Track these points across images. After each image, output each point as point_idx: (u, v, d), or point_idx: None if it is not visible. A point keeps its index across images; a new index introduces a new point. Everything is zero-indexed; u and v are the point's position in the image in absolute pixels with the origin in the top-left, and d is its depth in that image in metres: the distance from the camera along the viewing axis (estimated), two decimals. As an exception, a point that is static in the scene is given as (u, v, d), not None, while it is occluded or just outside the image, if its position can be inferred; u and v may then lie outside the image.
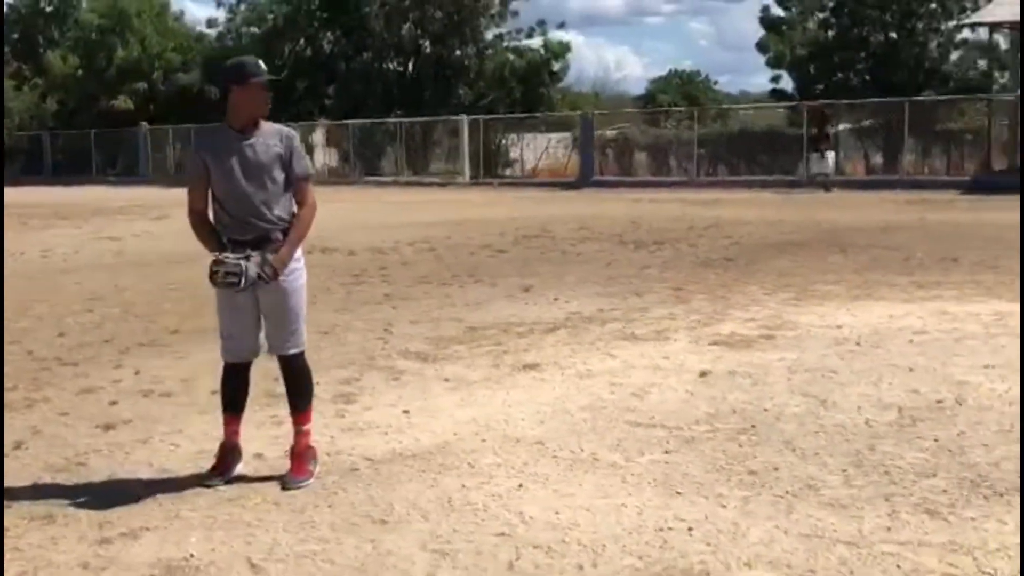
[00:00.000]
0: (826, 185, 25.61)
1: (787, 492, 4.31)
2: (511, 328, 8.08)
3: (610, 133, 34.94)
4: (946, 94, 36.71)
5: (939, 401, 5.52)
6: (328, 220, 17.37)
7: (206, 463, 4.89)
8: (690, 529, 3.96)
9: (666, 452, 4.88)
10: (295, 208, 4.75)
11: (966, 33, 38.94)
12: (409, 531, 4.06)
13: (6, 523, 4.17)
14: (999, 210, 19.22)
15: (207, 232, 4.68)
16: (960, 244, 13.37)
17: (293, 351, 4.79)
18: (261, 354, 4.89)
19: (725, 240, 14.38)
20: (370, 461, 4.92)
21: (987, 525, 3.88)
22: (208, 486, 4.62)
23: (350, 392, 6.20)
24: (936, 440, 4.88)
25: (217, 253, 4.55)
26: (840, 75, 38.96)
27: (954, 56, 40.08)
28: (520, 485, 4.49)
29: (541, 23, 40.19)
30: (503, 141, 36.27)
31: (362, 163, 36.21)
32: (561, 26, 39.98)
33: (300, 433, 4.81)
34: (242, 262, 4.48)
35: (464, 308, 9.21)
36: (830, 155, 26.79)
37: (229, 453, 4.81)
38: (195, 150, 4.83)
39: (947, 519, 3.95)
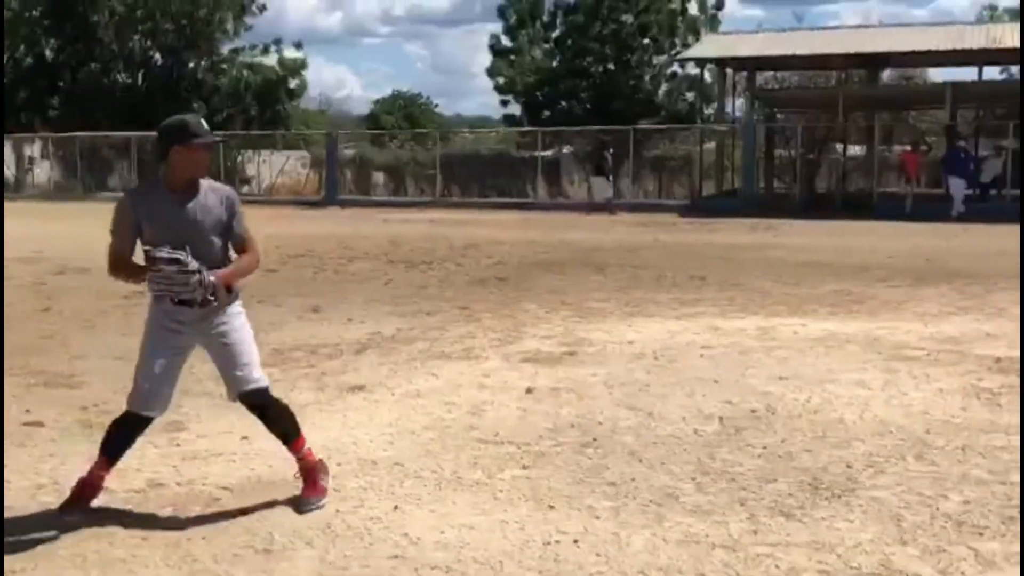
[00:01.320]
0: (610, 208, 26.47)
1: (651, 501, 4.50)
2: (318, 350, 7.95)
3: (348, 152, 34.81)
4: (658, 123, 38.99)
5: (753, 411, 5.91)
6: (69, 238, 16.49)
7: (48, 498, 4.57)
8: (575, 541, 4.06)
9: (524, 467, 4.97)
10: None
11: (676, 68, 41.66)
12: (298, 559, 3.94)
13: None
14: (718, 231, 20.70)
15: (132, 267, 4.41)
16: (699, 263, 14.27)
17: (263, 383, 4.53)
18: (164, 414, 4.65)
19: (488, 260, 14.69)
20: (228, 490, 4.73)
21: (838, 524, 4.20)
22: (65, 520, 4.30)
23: (176, 419, 5.89)
24: (765, 447, 5.23)
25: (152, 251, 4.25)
26: (564, 103, 40.62)
27: (665, 88, 42.72)
28: (396, 507, 4.45)
29: (278, 41, 39.57)
30: (240, 158, 35.37)
31: (91, 177, 34.26)
32: (298, 46, 39.19)
33: (303, 458, 4.62)
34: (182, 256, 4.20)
35: (258, 330, 8.92)
36: (607, 180, 27.67)
37: (89, 489, 4.49)
38: (130, 209, 4.39)
39: (802, 520, 4.25)
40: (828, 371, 6.94)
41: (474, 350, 7.83)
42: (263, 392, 4.55)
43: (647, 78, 41.48)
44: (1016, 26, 32.55)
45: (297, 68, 39.70)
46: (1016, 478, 4.66)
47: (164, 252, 4.22)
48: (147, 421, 4.55)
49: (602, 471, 4.91)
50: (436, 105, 70.40)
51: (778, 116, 34.45)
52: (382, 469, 4.98)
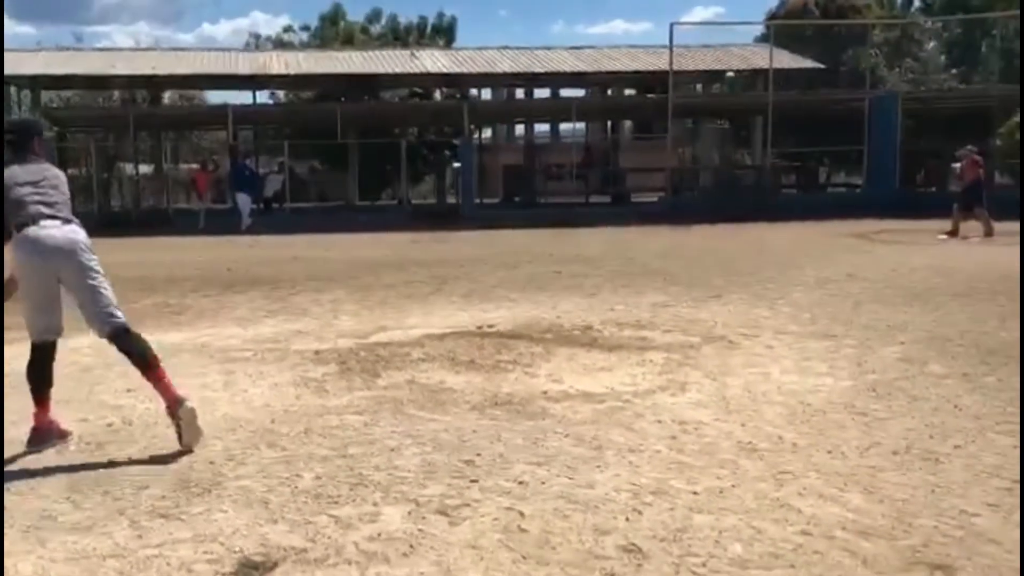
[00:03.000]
0: None
1: (29, 526, 4.28)
2: None
3: None
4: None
5: (110, 424, 5.84)
6: None
7: None
8: (-44, 582, 3.77)
9: None
10: None
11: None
12: None
13: None
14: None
15: None
16: None
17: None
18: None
19: None
20: None
21: (215, 516, 4.38)
22: None
23: None
24: (130, 457, 5.22)
25: None
26: None
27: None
28: None
29: None
30: None
31: None
32: None
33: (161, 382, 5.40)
34: None
35: None
36: None
37: None
38: None
39: (181, 519, 4.36)
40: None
41: None
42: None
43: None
44: (347, 54, 35.04)
45: None
46: (354, 450, 5.26)
47: None
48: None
49: (-31, 507, 4.54)
50: None
51: (67, 135, 33.03)
52: None
